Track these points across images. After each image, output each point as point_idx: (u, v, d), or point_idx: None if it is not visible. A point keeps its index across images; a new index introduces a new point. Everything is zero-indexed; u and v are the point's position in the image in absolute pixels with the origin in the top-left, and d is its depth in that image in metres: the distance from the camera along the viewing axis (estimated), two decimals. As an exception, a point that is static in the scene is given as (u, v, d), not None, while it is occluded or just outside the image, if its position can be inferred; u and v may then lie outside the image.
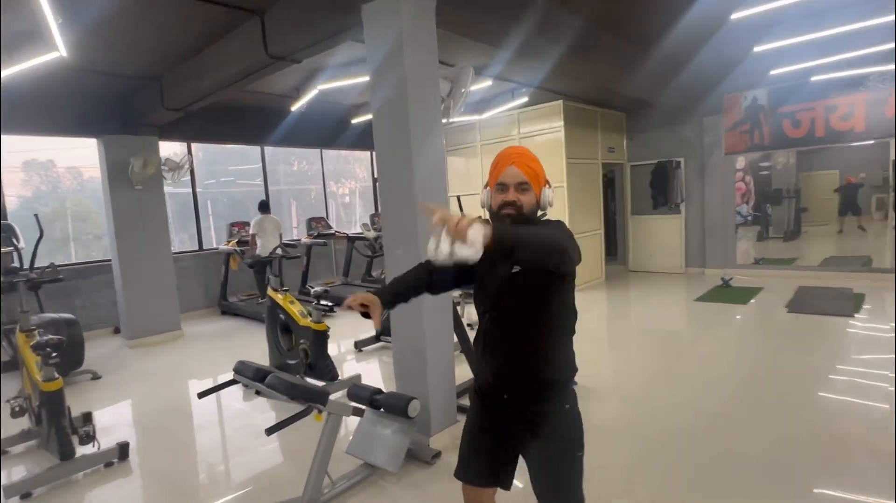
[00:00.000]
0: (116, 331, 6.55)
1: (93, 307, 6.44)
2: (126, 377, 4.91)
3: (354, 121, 7.47)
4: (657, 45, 5.07)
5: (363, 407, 2.72)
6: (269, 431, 1.94)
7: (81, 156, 7.52)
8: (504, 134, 7.97)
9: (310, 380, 3.84)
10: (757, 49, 4.64)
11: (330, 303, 3.92)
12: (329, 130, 8.05)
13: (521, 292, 1.51)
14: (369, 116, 7.32)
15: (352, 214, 11.10)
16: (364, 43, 3.01)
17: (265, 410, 3.83)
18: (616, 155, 8.82)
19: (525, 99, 6.64)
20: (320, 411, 2.19)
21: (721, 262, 8.21)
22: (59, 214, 7.60)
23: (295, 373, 4.03)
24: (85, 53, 4.36)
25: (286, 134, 7.53)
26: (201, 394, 2.33)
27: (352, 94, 6.59)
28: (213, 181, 9.05)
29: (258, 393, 2.24)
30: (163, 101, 5.18)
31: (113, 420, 3.89)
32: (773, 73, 6.09)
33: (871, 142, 7.38)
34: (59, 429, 2.91)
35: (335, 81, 5.24)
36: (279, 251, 6.29)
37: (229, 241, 7.34)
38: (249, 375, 2.24)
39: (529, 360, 1.55)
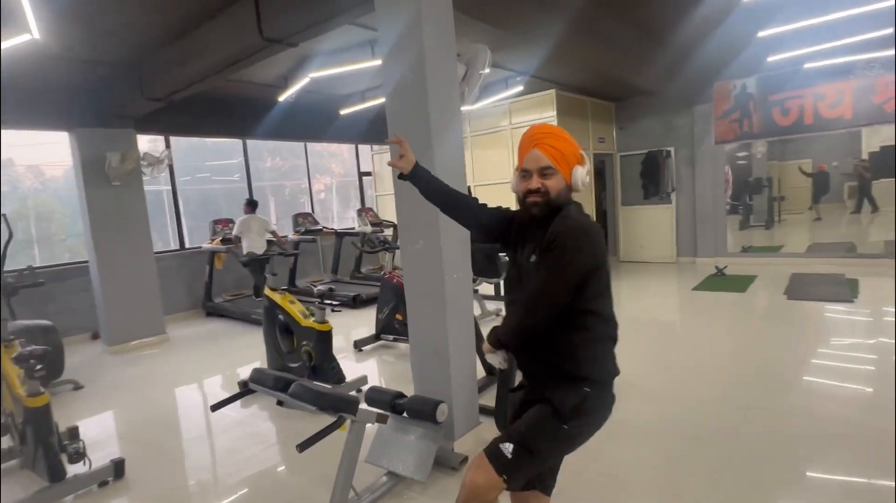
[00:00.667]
0: (95, 336, 6.18)
1: (68, 312, 6.05)
2: (110, 386, 4.60)
3: (343, 112, 7.19)
4: (662, 30, 4.98)
5: (387, 413, 2.53)
6: (301, 447, 1.74)
7: (43, 153, 7.08)
8: (494, 125, 7.81)
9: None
10: (761, 34, 4.58)
11: (336, 302, 3.70)
12: (316, 122, 7.75)
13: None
14: (359, 107, 7.12)
15: (328, 210, 10.84)
16: (362, 27, 2.82)
17: (265, 418, 3.60)
18: (606, 145, 8.75)
19: (520, 88, 6.49)
20: (351, 421, 1.99)
21: (712, 251, 8.25)
22: (21, 215, 7.15)
23: (298, 376, 3.81)
24: (57, 38, 4.02)
25: (271, 126, 7.21)
26: (214, 407, 2.11)
27: (341, 83, 6.33)
28: (189, 177, 8.64)
29: (280, 403, 2.04)
30: (142, 91, 4.84)
31: (100, 434, 3.60)
32: (770, 59, 6.05)
33: (858, 128, 7.47)
34: (46, 447, 2.65)
35: (327, 69, 4.99)
36: (275, 249, 6.03)
37: (213, 240, 7.01)
38: (269, 384, 2.04)
39: (544, 352, 1.47)
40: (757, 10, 4.25)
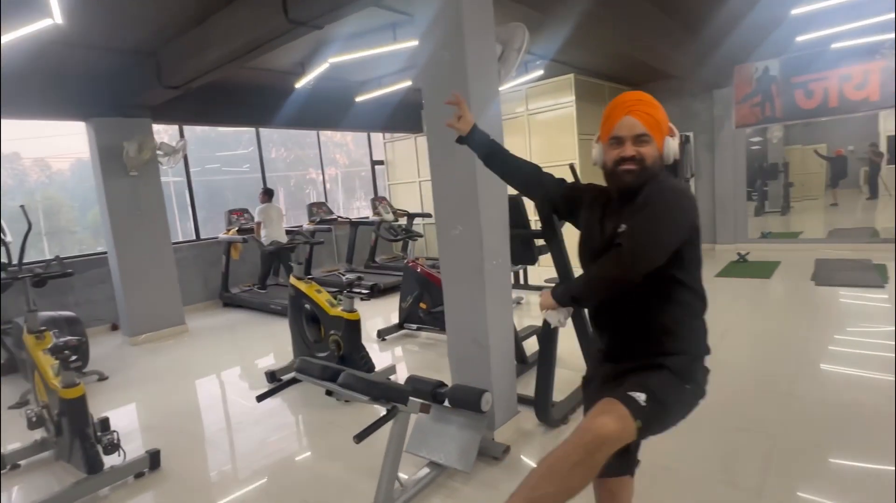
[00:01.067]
0: (114, 327, 6.17)
1: (86, 303, 6.03)
2: (134, 377, 4.58)
3: (359, 99, 7.08)
4: (694, 10, 4.83)
5: (429, 402, 2.48)
6: (358, 438, 1.69)
7: (49, 146, 7.03)
8: (509, 111, 7.68)
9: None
10: (795, 11, 4.43)
11: (366, 291, 3.64)
12: (331, 110, 7.64)
13: None
14: (376, 94, 6.99)
15: (333, 202, 10.80)
16: (386, 8, 2.74)
17: (288, 409, 3.56)
18: (623, 131, 8.61)
19: (540, 72, 6.36)
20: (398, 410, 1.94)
21: (732, 237, 8.13)
22: (29, 208, 7.12)
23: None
24: (76, 23, 3.93)
25: (285, 114, 7.10)
26: (260, 397, 2.06)
27: (359, 69, 6.22)
28: (199, 168, 8.58)
29: (329, 393, 1.98)
30: (159, 79, 4.76)
31: (129, 425, 3.58)
32: (799, 39, 5.89)
33: (885, 110, 7.28)
34: (83, 439, 2.61)
35: (347, 54, 4.88)
36: (299, 238, 5.97)
37: (229, 230, 6.96)
38: (316, 374, 1.98)
39: (638, 330, 1.42)
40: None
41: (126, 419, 3.69)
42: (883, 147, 13.21)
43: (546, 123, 7.53)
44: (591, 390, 1.54)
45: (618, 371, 1.44)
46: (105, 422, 3.09)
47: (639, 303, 1.38)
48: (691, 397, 1.41)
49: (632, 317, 1.41)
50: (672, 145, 1.38)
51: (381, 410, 2.11)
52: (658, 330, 1.39)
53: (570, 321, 1.58)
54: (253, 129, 7.96)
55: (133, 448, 3.02)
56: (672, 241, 1.28)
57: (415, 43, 4.60)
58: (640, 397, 1.29)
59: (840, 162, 13.04)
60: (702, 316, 1.44)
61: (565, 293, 1.40)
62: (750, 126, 7.89)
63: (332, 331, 3.77)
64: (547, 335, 2.82)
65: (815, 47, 6.67)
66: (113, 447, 2.80)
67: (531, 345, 4.01)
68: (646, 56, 5.59)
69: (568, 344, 3.06)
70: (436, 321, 4.64)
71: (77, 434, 2.61)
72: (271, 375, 3.96)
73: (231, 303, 7.09)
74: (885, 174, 13.13)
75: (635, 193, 1.36)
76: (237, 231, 6.89)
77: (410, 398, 2.01)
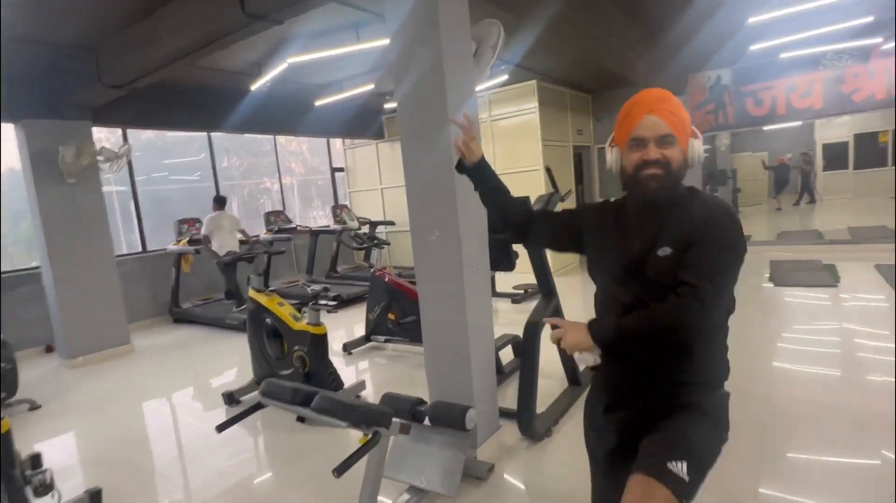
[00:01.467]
0: (49, 349, 5.63)
1: (16, 324, 5.47)
2: (72, 404, 4.14)
3: (319, 103, 6.82)
4: (657, 17, 4.89)
5: (409, 422, 2.29)
6: (338, 471, 1.49)
7: None
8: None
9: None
10: (752, 20, 4.55)
11: (333, 302, 3.41)
12: (288, 114, 7.33)
13: (663, 274, 1.19)
14: (336, 98, 6.75)
15: (289, 211, 10.44)
16: (349, 5, 2.57)
17: (246, 434, 3.28)
18: (584, 137, 8.72)
19: (505, 77, 6.31)
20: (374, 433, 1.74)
21: (690, 241, 8.32)
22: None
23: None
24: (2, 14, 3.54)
25: (240, 118, 6.74)
26: (220, 427, 1.81)
27: (319, 71, 5.98)
28: (145, 177, 8.05)
29: (301, 419, 1.77)
30: (100, 77, 4.38)
31: (67, 459, 3.20)
32: (752, 48, 6.10)
33: (826, 119, 7.67)
34: (8, 482, 2.27)
35: (307, 54, 4.65)
36: (259, 248, 5.63)
37: (179, 241, 6.53)
38: (286, 398, 1.76)
39: (671, 362, 1.23)
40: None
41: (63, 453, 3.30)
42: (819, 154, 14.08)
43: (509, 129, 7.50)
44: (606, 448, 1.35)
45: (641, 418, 1.25)
46: (36, 459, 2.72)
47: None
48: (720, 445, 1.26)
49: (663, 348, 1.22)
50: (697, 147, 1.26)
51: (356, 432, 1.91)
52: (688, 358, 1.22)
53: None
54: (204, 135, 7.54)
55: (71, 486, 2.67)
56: (738, 269, 1.17)
57: (379, 43, 4.46)
58: (682, 468, 1.11)
59: (783, 170, 13.75)
60: (726, 328, 1.29)
61: (614, 334, 1.18)
62: (705, 133, 8.13)
63: (296, 347, 3.52)
64: (529, 346, 2.69)
65: (767, 57, 6.94)
66: (45, 488, 2.44)
67: (505, 355, 3.89)
68: (609, 61, 5.65)
69: (544, 351, 2.93)
70: (406, 332, 4.44)
71: (1, 476, 2.26)
72: (229, 397, 3.65)
73: (182, 318, 6.63)
74: (821, 180, 14.01)
75: (661, 203, 1.23)
76: (188, 241, 6.47)
77: (393, 419, 1.82)
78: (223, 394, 3.68)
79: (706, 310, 1.10)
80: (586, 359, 1.22)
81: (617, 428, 1.31)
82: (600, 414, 1.35)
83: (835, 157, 13.94)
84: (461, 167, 1.54)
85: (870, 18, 5.43)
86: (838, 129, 13.56)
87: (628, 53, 5.33)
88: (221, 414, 3.60)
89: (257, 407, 1.85)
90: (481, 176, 1.51)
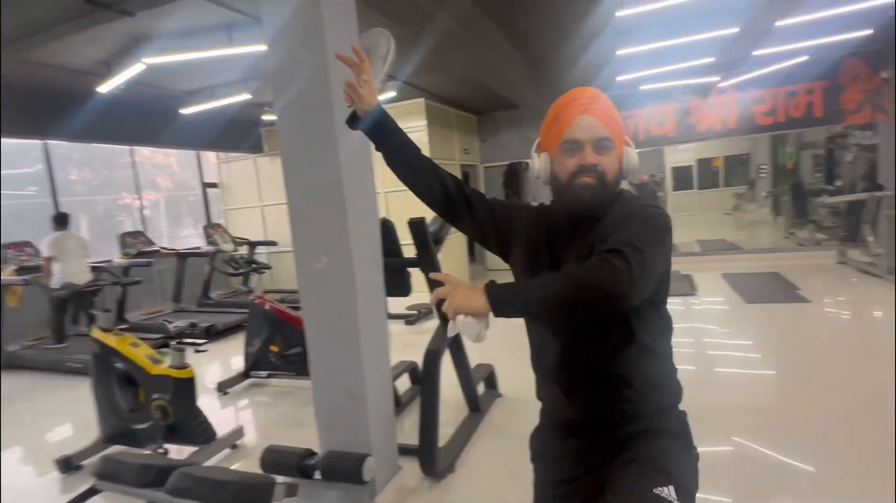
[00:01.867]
0: None
1: None
2: None
3: (185, 111, 6.10)
4: (541, 42, 5.09)
5: (296, 481, 1.98)
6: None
7: None
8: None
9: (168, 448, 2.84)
10: (620, 52, 4.95)
11: (202, 340, 2.93)
12: (148, 123, 6.47)
13: None
14: (206, 107, 6.10)
15: (154, 231, 9.35)
16: (218, 4, 2.27)
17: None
18: (470, 157, 8.90)
19: (393, 94, 6.18)
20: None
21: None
22: None
23: (148, 441, 2.95)
24: None
25: (86, 125, 5.79)
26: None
27: (185, 76, 5.34)
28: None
29: None
30: None
31: None
32: (618, 79, 6.66)
33: (678, 145, 8.68)
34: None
35: (168, 55, 4.09)
36: (105, 277, 4.78)
37: (5, 269, 5.38)
38: (130, 478, 1.37)
39: (622, 381, 1.12)
40: (623, 27, 4.55)
41: None
42: (669, 176, 16.12)
43: (398, 147, 7.38)
44: (561, 478, 1.19)
45: (605, 442, 1.13)
46: None
47: (622, 342, 1.10)
48: (696, 464, 1.17)
49: (612, 362, 1.11)
50: (632, 155, 1.14)
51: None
52: (644, 377, 1.12)
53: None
54: (39, 143, 6.37)
55: None
56: (662, 262, 1.03)
57: (254, 48, 4.07)
58: (670, 493, 1.00)
59: (643, 188, 15.43)
60: (669, 350, 1.21)
61: (515, 295, 0.96)
62: (579, 155, 8.74)
63: (155, 395, 2.97)
64: (429, 378, 2.51)
65: (631, 87, 7.66)
66: None
67: (401, 383, 3.67)
68: (494, 82, 5.78)
69: (443, 377, 2.76)
70: (290, 365, 4.03)
71: None
72: (65, 463, 2.96)
73: (9, 363, 5.44)
74: (671, 199, 16.02)
75: (595, 216, 1.10)
76: (16, 271, 5.36)
77: (279, 484, 1.52)
78: (58, 461, 2.98)
79: (631, 270, 0.90)
80: (469, 329, 0.95)
81: (574, 457, 1.17)
82: (554, 443, 1.21)
83: (682, 178, 16.09)
84: (353, 121, 1.21)
85: (712, 59, 6.20)
86: (683, 154, 15.58)
87: (512, 76, 5.51)
88: (57, 483, 2.92)
89: (91, 492, 1.44)
90: (382, 129, 1.19)
